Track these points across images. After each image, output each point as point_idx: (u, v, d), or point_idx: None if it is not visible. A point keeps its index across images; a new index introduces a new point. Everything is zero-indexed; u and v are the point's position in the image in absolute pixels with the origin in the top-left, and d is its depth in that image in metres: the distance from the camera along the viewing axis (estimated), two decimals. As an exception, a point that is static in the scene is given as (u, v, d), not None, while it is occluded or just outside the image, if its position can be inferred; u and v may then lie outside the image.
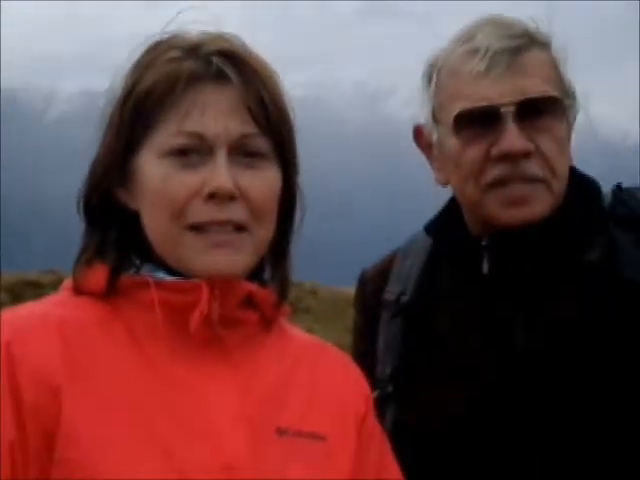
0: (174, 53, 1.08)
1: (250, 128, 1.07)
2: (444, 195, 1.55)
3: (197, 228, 1.06)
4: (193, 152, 1.06)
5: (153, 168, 1.07)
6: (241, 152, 1.07)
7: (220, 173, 1.04)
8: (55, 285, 1.22)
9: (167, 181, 1.05)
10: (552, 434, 1.32)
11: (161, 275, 1.09)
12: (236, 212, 1.06)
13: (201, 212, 1.05)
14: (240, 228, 1.07)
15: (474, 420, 1.36)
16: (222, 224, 1.06)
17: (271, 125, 1.08)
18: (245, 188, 1.06)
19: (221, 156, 1.05)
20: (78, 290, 1.10)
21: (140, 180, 1.09)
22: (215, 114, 1.06)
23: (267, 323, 1.16)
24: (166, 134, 1.06)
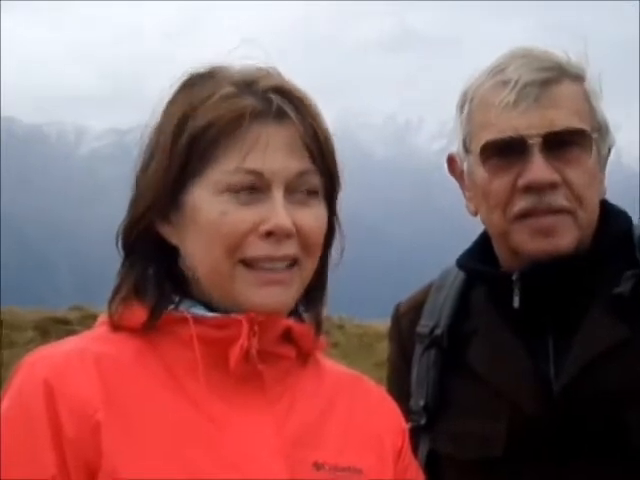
0: (229, 89, 1.08)
1: (307, 165, 1.08)
2: (474, 228, 1.56)
3: (249, 263, 1.07)
4: (251, 189, 1.06)
5: (210, 204, 1.06)
6: (296, 189, 1.08)
7: (279, 212, 1.05)
8: (82, 321, 1.23)
9: (225, 217, 1.05)
10: (587, 467, 1.34)
11: (200, 311, 1.09)
12: (290, 248, 1.08)
13: (257, 248, 1.06)
14: (293, 263, 1.09)
15: (512, 452, 1.38)
16: (277, 260, 1.07)
17: (325, 162, 1.10)
18: (299, 225, 1.07)
19: (279, 194, 1.06)
20: (115, 326, 1.10)
21: (191, 215, 1.08)
22: (275, 152, 1.06)
23: (304, 357, 1.16)
24: (224, 171, 1.06)
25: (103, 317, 1.14)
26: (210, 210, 1.06)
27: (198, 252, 1.08)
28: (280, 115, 1.07)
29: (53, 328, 13.84)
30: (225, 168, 1.06)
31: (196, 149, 1.06)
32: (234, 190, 1.06)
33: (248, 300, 1.07)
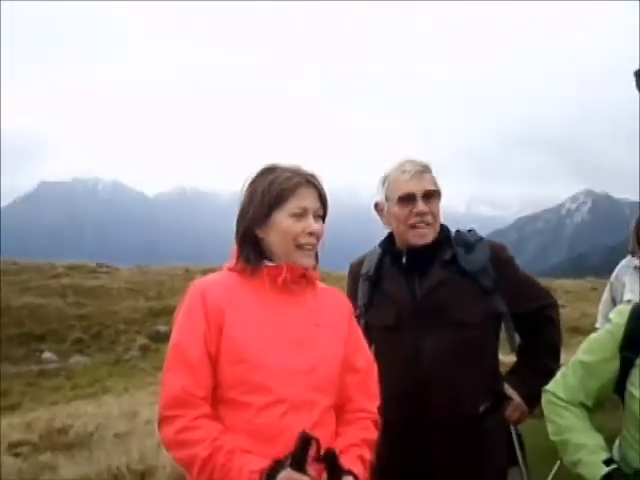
0: (288, 173, 2.24)
1: (319, 204, 2.26)
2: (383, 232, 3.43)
3: (300, 246, 2.22)
4: (302, 215, 2.21)
5: (287, 221, 2.21)
6: (315, 215, 2.24)
7: (312, 223, 2.22)
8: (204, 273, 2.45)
9: (293, 226, 2.20)
10: (435, 328, 2.74)
11: (268, 263, 2.23)
12: (314, 240, 2.25)
13: (305, 239, 2.22)
14: (315, 247, 2.26)
15: (400, 320, 2.80)
16: (311, 245, 2.23)
17: (323, 202, 2.27)
18: (317, 230, 2.23)
19: (311, 216, 2.23)
20: (233, 270, 2.26)
21: (277, 226, 2.21)
22: (309, 199, 2.23)
23: (308, 282, 2.32)
24: (292, 206, 2.21)
25: (228, 266, 2.28)
26: (288, 223, 2.21)
27: (276, 241, 2.22)
28: (310, 184, 2.24)
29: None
30: (293, 205, 2.21)
31: (278, 197, 2.21)
32: (295, 215, 2.21)
33: (299, 263, 2.23)
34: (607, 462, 2.22)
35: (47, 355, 24.00)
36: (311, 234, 2.22)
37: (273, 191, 2.21)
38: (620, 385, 2.27)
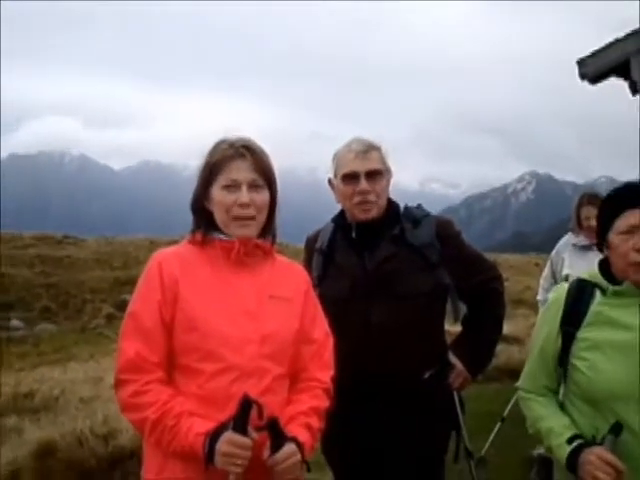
0: (224, 146, 2.21)
1: (255, 175, 2.20)
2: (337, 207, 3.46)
3: (235, 218, 2.18)
4: (233, 186, 2.17)
5: (220, 194, 2.19)
6: (252, 186, 2.19)
7: (243, 195, 2.17)
8: (168, 244, 2.49)
9: (224, 198, 2.18)
10: (384, 299, 2.77)
11: (221, 236, 2.21)
12: (250, 211, 2.19)
13: (237, 211, 2.17)
14: (252, 217, 2.20)
15: (352, 292, 2.82)
16: (246, 215, 2.18)
17: (264, 172, 2.22)
18: (254, 200, 2.19)
19: (244, 188, 2.18)
20: (190, 242, 2.26)
21: (214, 199, 2.20)
22: (241, 171, 2.18)
23: (266, 254, 2.30)
24: (223, 178, 2.18)
25: (186, 238, 2.27)
26: (220, 196, 2.18)
27: (216, 214, 2.21)
28: (243, 156, 2.19)
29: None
30: (224, 178, 2.18)
31: (212, 171, 2.20)
32: (226, 187, 2.18)
33: (235, 234, 2.19)
34: (571, 440, 2.20)
35: (14, 323, 23.65)
36: (243, 205, 2.17)
37: (207, 165, 2.22)
38: (563, 359, 2.31)
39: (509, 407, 5.73)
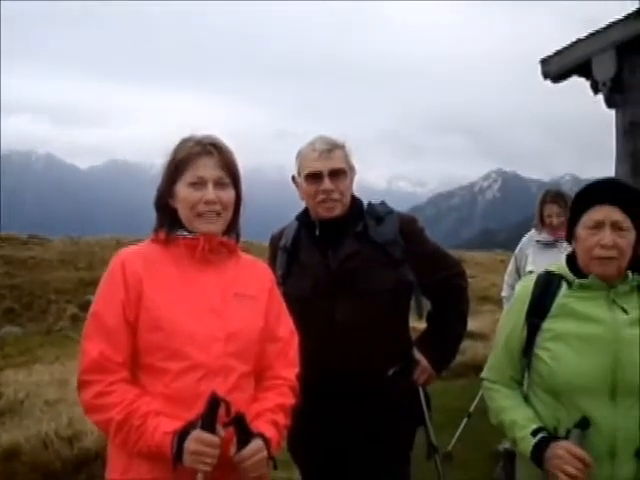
0: (190, 144, 2.20)
1: (221, 173, 2.19)
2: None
3: (200, 215, 2.17)
4: (199, 184, 2.16)
5: (185, 190, 2.17)
6: (218, 183, 2.18)
7: (209, 192, 2.16)
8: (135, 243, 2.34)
9: (190, 195, 2.16)
10: (348, 296, 2.77)
11: (185, 233, 2.20)
12: (216, 207, 2.18)
13: (203, 208, 2.16)
14: (218, 214, 2.19)
15: (315, 290, 2.82)
16: (211, 213, 2.17)
17: (230, 170, 2.21)
18: (220, 197, 2.18)
19: (210, 185, 2.17)
20: (153, 240, 2.24)
21: (179, 196, 2.19)
22: (207, 168, 2.17)
23: (230, 252, 2.30)
24: (189, 175, 2.17)
25: (150, 237, 2.24)
26: (185, 193, 2.17)
27: (181, 210, 2.20)
28: (210, 153, 2.19)
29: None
30: (189, 175, 2.17)
31: (178, 168, 2.19)
32: (192, 185, 2.17)
33: (200, 230, 2.18)
34: (535, 432, 2.22)
35: (-22, 325, 23.17)
36: (209, 202, 2.17)
37: (173, 163, 2.21)
38: (527, 350, 2.33)
39: (475, 402, 5.80)
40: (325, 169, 2.81)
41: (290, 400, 2.28)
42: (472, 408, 5.87)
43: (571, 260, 2.35)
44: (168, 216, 2.23)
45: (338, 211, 2.85)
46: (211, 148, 2.19)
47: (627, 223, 2.20)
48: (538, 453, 2.18)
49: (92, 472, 5.18)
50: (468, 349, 9.44)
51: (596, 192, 2.27)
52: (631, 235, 2.21)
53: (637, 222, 2.23)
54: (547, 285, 2.34)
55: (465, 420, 5.92)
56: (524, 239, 5.49)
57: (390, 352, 2.82)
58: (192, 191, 2.17)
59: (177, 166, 2.19)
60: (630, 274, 2.24)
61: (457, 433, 5.81)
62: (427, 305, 3.04)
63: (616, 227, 2.19)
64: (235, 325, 2.17)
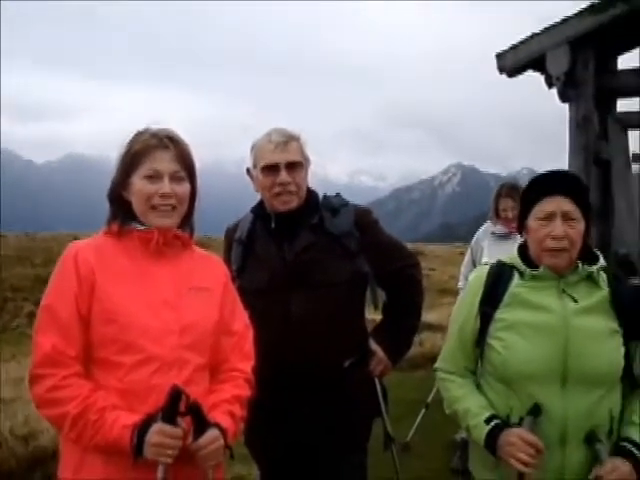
0: (146, 136, 2.18)
1: (177, 167, 2.18)
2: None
3: (154, 207, 2.15)
4: (155, 177, 2.14)
5: (140, 183, 2.15)
6: (174, 177, 2.17)
7: (165, 185, 2.15)
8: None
9: (145, 187, 2.14)
10: (303, 289, 2.76)
11: (139, 226, 2.18)
12: (171, 201, 2.16)
13: (158, 201, 2.15)
14: (174, 208, 2.17)
15: (271, 283, 2.81)
16: (167, 206, 2.16)
17: (185, 164, 2.20)
18: (175, 191, 2.17)
19: (166, 178, 2.16)
20: (106, 233, 2.21)
21: (133, 188, 2.17)
22: (164, 162, 2.16)
23: (184, 246, 2.28)
24: (145, 168, 2.15)
25: (102, 230, 2.22)
26: (140, 186, 2.15)
27: (135, 203, 2.18)
28: (166, 147, 2.17)
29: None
30: (145, 168, 2.15)
31: (133, 161, 2.17)
32: (148, 178, 2.15)
33: (155, 224, 2.17)
34: (488, 420, 2.25)
35: None
36: (165, 196, 2.15)
37: (128, 155, 2.18)
38: (480, 339, 2.35)
39: (433, 393, 5.85)
40: (282, 161, 2.80)
41: (246, 392, 2.28)
42: (430, 399, 5.93)
43: (523, 250, 2.38)
44: (122, 209, 2.21)
45: (294, 204, 2.84)
46: (167, 141, 2.17)
47: (577, 214, 2.24)
48: (491, 440, 2.21)
49: (48, 470, 5.09)
50: (426, 341, 9.54)
51: (546, 183, 2.30)
52: (581, 225, 2.25)
53: (586, 212, 2.27)
54: (499, 275, 2.36)
55: (423, 411, 5.98)
56: (480, 231, 5.57)
57: (346, 344, 2.83)
58: (147, 184, 2.15)
59: (132, 158, 2.16)
60: (580, 264, 2.28)
61: (415, 424, 5.87)
62: (382, 296, 3.05)
63: (567, 218, 2.22)
64: (189, 317, 2.16)
